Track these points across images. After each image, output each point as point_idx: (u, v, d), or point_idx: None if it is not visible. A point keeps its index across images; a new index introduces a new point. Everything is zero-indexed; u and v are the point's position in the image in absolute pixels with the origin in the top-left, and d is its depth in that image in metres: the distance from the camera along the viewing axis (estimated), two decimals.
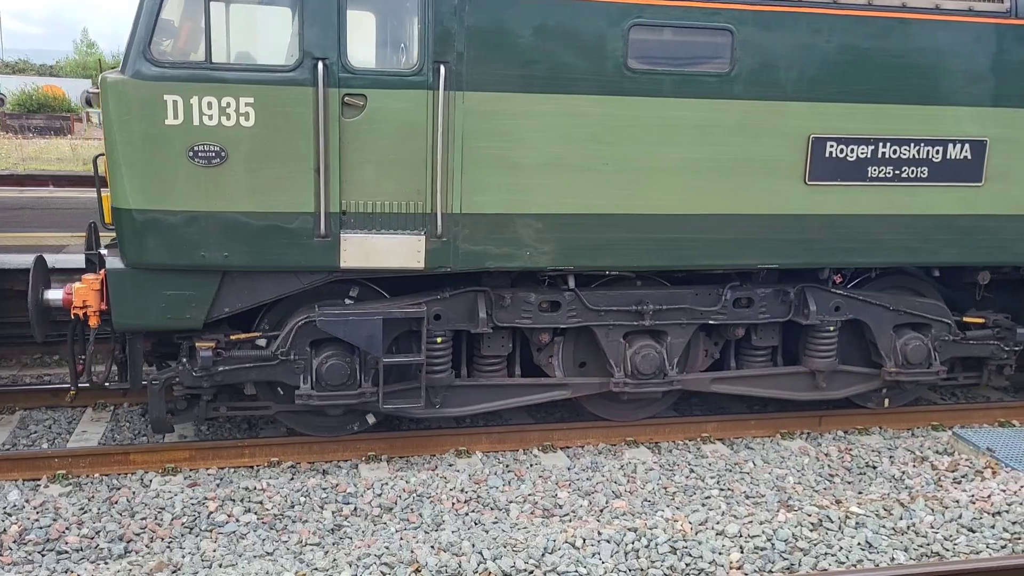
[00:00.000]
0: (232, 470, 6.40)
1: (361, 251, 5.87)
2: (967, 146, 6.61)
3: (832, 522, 5.36)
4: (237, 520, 5.60)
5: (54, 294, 5.94)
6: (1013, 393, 8.36)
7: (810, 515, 5.42)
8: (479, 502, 5.91)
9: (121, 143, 5.55)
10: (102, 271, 5.81)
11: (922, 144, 6.53)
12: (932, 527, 5.44)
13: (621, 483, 6.26)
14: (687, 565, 4.88)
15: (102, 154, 5.76)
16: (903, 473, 6.64)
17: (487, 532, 5.42)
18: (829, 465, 6.75)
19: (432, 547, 5.03)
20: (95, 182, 6.30)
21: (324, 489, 5.94)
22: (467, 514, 5.78)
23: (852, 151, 6.42)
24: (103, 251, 6.12)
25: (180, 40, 5.64)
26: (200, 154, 5.56)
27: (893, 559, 5.03)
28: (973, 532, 5.42)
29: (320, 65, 5.53)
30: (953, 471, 6.63)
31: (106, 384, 6.46)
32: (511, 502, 5.93)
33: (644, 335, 6.73)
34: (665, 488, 6.23)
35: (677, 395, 7.19)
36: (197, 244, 5.71)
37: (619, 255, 6.30)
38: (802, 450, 6.96)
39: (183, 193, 5.62)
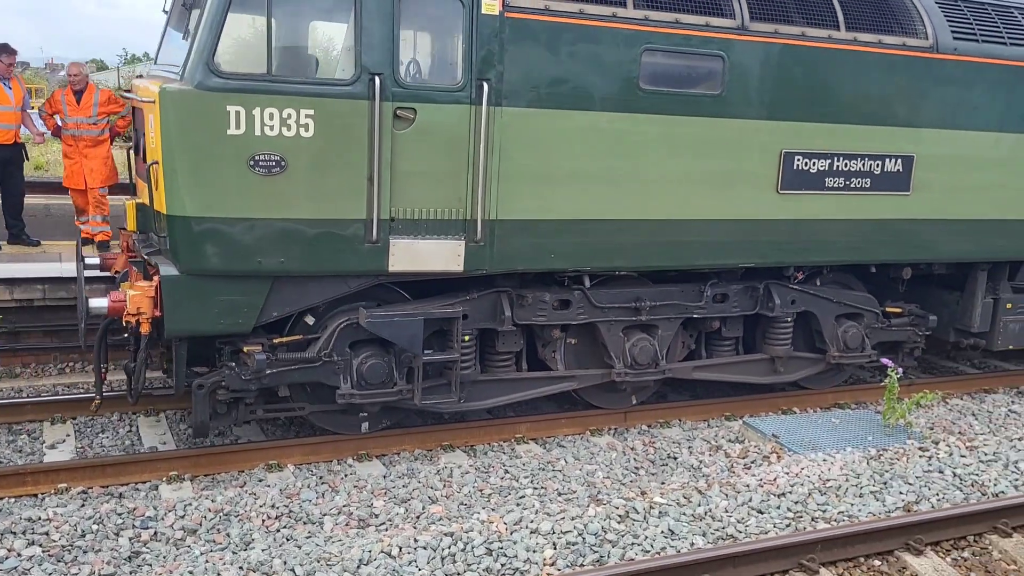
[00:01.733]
0: (13, 500, 5.91)
1: (407, 255, 6.23)
2: (899, 160, 7.76)
3: (638, 513, 5.57)
4: (19, 555, 5.03)
5: (99, 302, 5.90)
6: (920, 372, 9.69)
7: (618, 508, 5.60)
8: (291, 517, 5.69)
9: (180, 152, 5.65)
10: (156, 277, 5.84)
11: (866, 159, 7.61)
12: (726, 511, 5.76)
13: (438, 488, 6.23)
14: (503, 566, 4.94)
15: (155, 162, 5.78)
16: (701, 462, 6.98)
17: (300, 547, 5.25)
18: (635, 458, 7.01)
19: (241, 568, 4.87)
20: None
21: (120, 514, 5.53)
22: (278, 530, 5.55)
23: (814, 164, 7.40)
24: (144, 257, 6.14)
25: (242, 52, 5.80)
26: (261, 163, 5.75)
27: (693, 544, 5.30)
28: (762, 513, 5.79)
29: (376, 80, 5.86)
30: (744, 458, 7.05)
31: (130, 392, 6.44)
32: (325, 515, 5.74)
33: (639, 329, 7.43)
34: (481, 490, 6.25)
35: (660, 383, 7.93)
36: (254, 251, 5.88)
37: (629, 257, 6.97)
38: (610, 445, 7.21)
39: (242, 201, 5.79)
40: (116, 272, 7.25)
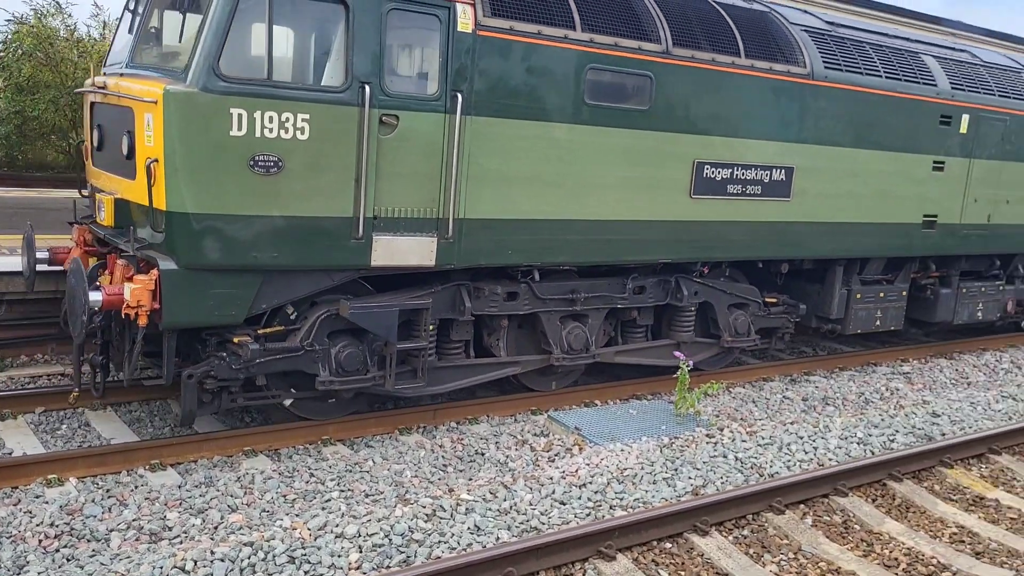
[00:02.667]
0: None
1: (388, 251, 6.74)
2: (783, 171, 9.01)
3: (445, 511, 5.58)
4: None
5: (94, 295, 6.02)
6: (790, 353, 11.08)
7: (425, 506, 5.59)
8: (73, 535, 5.32)
9: (182, 151, 5.90)
10: (154, 271, 6.04)
11: (759, 169, 8.80)
12: (531, 504, 5.85)
13: (238, 496, 6.00)
14: (306, 573, 4.83)
15: (155, 160, 5.97)
16: (507, 457, 7.07)
17: (82, 568, 4.89)
18: (443, 456, 7.06)
19: None
20: None
21: None
22: (58, 550, 5.17)
23: (719, 173, 8.49)
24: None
25: (244, 58, 6.10)
26: (260, 163, 6.09)
27: (498, 539, 5.35)
28: (564, 504, 5.93)
29: (366, 88, 6.34)
30: (548, 451, 7.21)
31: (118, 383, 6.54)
32: (112, 530, 5.40)
33: (572, 318, 8.25)
34: (284, 496, 6.09)
35: (587, 367, 8.77)
36: (250, 246, 6.20)
37: (572, 252, 7.77)
38: (419, 443, 7.25)
39: (241, 199, 6.10)
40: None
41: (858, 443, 7.64)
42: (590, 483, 6.26)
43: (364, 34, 6.32)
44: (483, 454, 7.19)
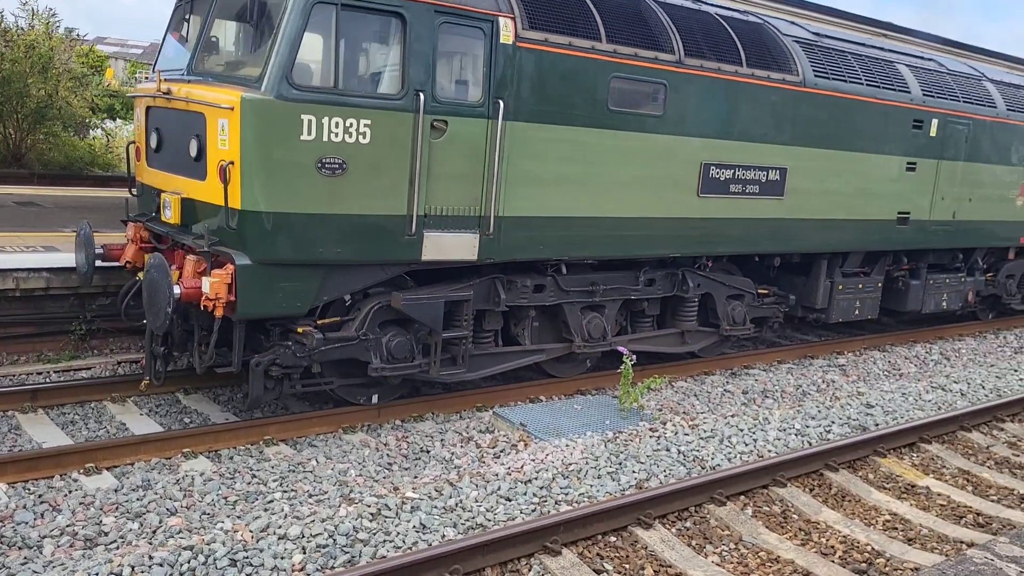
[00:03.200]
0: None
1: (436, 247, 7.26)
2: (777, 171, 9.74)
3: (390, 509, 5.55)
4: None
5: (174, 288, 6.44)
6: (787, 338, 11.83)
7: (370, 505, 5.55)
8: (3, 542, 5.21)
9: (257, 154, 6.36)
10: (229, 266, 6.48)
11: (756, 169, 9.50)
12: (476, 501, 5.86)
13: (177, 498, 5.91)
14: None
15: (231, 162, 6.40)
16: (453, 454, 7.07)
17: None
18: (388, 454, 7.02)
19: None
20: None
21: None
22: None
23: (723, 173, 9.17)
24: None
25: (313, 67, 6.57)
26: (327, 165, 6.57)
27: (444, 536, 5.36)
28: (510, 501, 5.93)
29: (420, 95, 6.86)
30: (494, 447, 7.20)
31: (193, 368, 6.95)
32: (45, 537, 5.30)
33: (590, 309, 8.85)
34: (225, 498, 6.00)
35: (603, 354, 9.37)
36: (316, 242, 6.68)
37: (595, 247, 8.37)
38: (363, 442, 7.21)
39: (309, 198, 6.57)
40: (128, 263, 7.64)
41: (796, 434, 7.85)
42: (535, 479, 6.28)
43: (418, 45, 6.84)
44: (428, 452, 7.16)
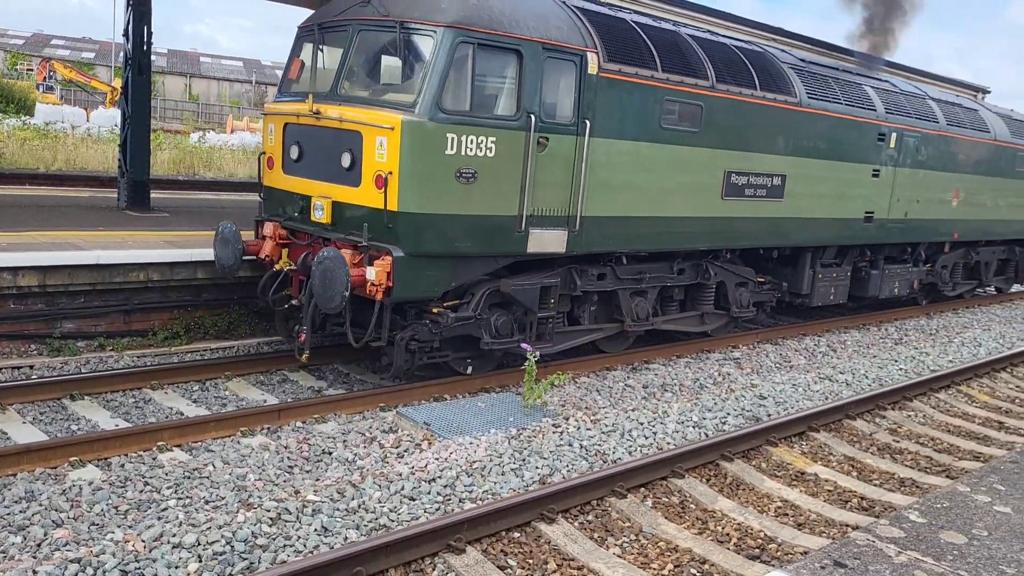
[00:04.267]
0: None
1: (537, 241, 8.78)
2: (779, 178, 11.57)
3: (291, 513, 5.49)
4: None
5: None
6: (773, 316, 13.62)
7: (269, 510, 5.47)
8: None
9: (411, 165, 7.76)
10: (387, 257, 7.84)
11: (764, 176, 11.32)
12: (380, 502, 5.83)
13: (63, 509, 5.66)
14: None
15: (389, 172, 7.77)
16: (355, 455, 6.95)
17: None
18: (289, 457, 6.85)
19: None
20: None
21: None
22: None
23: (740, 179, 10.94)
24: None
25: (454, 94, 7.99)
26: (463, 175, 8.02)
27: (347, 539, 5.31)
28: (413, 500, 5.94)
29: (531, 117, 8.37)
30: (397, 447, 7.15)
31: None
32: None
33: (637, 294, 10.50)
34: (116, 507, 5.77)
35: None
36: (453, 238, 8.11)
37: (649, 242, 10.01)
38: (263, 445, 7.04)
39: (448, 202, 8.01)
40: (267, 257, 8.90)
41: (694, 427, 8.14)
42: (439, 477, 6.31)
43: (529, 76, 8.34)
44: (330, 453, 7.04)
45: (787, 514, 6.66)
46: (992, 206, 16.98)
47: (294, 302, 8.80)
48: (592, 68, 8.85)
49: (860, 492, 7.24)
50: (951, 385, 10.89)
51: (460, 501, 6.09)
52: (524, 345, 8.76)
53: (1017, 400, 10.79)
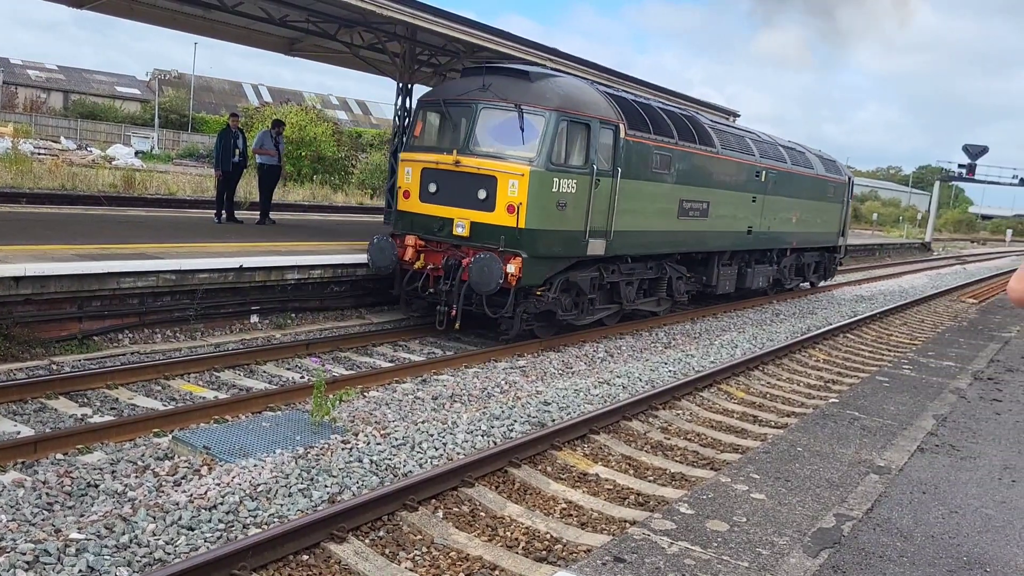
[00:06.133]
0: None
1: (592, 247, 13.30)
2: (706, 204, 16.72)
3: (50, 555, 5.10)
4: None
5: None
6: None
7: (25, 553, 5.06)
8: None
9: (533, 198, 12.09)
10: (518, 259, 12.08)
11: (698, 202, 16.41)
12: (154, 535, 5.51)
13: None
14: None
15: (520, 203, 12.05)
16: (126, 486, 6.46)
17: None
18: (48, 493, 6.28)
19: None
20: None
21: None
22: None
23: (686, 205, 15.98)
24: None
25: (556, 152, 12.39)
26: (560, 204, 12.44)
27: None
28: (192, 530, 5.63)
29: (593, 166, 12.91)
30: (174, 474, 6.68)
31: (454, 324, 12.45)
32: None
33: (628, 284, 15.23)
34: None
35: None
36: (552, 245, 12.51)
37: (644, 248, 14.81)
38: (17, 482, 6.43)
39: (552, 222, 12.39)
40: (408, 260, 12.85)
41: (483, 435, 8.19)
42: (221, 504, 6.02)
43: (593, 138, 12.90)
44: (97, 486, 6.49)
45: (571, 515, 6.76)
46: (813, 222, 23.24)
47: (430, 290, 12.80)
48: (622, 134, 13.55)
49: (637, 489, 7.46)
50: (713, 384, 11.63)
51: (244, 527, 5.82)
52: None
53: (768, 395, 11.76)
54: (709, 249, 17.57)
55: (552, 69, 15.69)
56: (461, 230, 12.57)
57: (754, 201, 18.95)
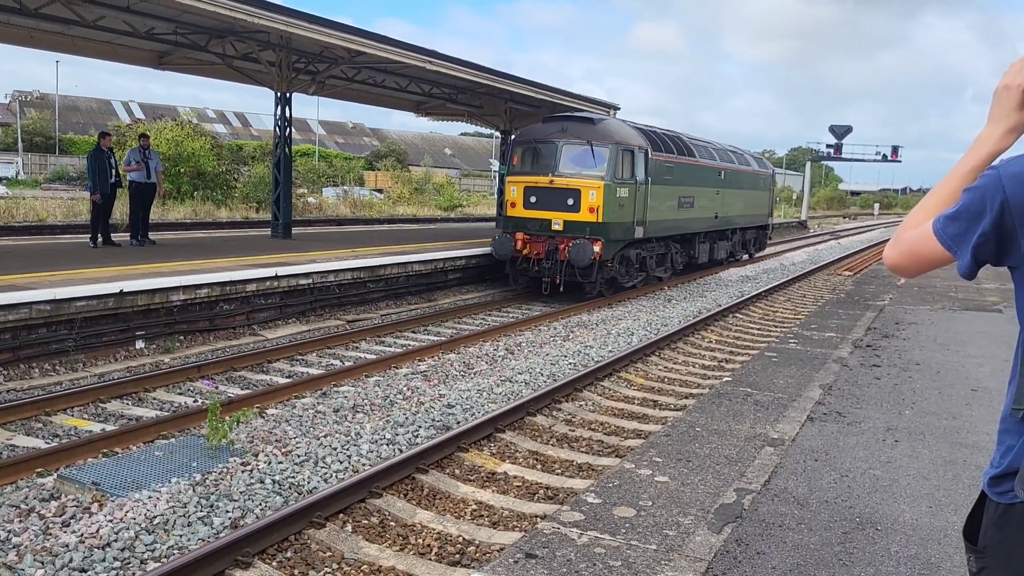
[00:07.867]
0: None
1: (638, 232, 19.70)
2: (693, 198, 23.30)
3: None
4: None
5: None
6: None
7: None
8: None
9: (606, 203, 18.39)
10: (598, 243, 18.33)
11: (688, 198, 22.96)
12: None
13: None
14: None
15: (598, 206, 18.33)
16: (9, 532, 5.95)
17: None
18: None
19: None
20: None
21: None
22: None
23: (683, 200, 22.52)
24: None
25: (616, 169, 18.72)
26: (621, 205, 18.79)
27: None
28: (85, 572, 5.36)
29: (636, 178, 19.31)
30: (61, 515, 6.24)
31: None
32: None
33: (651, 259, 21.62)
34: None
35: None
36: (618, 232, 18.88)
37: (663, 232, 21.34)
38: None
39: (618, 216, 18.72)
40: (517, 250, 18.90)
41: (388, 444, 8.01)
42: (115, 541, 5.72)
43: (636, 160, 19.32)
44: None
45: (483, 515, 6.63)
46: (753, 207, 30.24)
47: (536, 269, 18.81)
48: (651, 155, 20.01)
49: (546, 483, 7.39)
50: (613, 373, 11.51)
51: (141, 563, 5.52)
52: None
53: (665, 379, 11.77)
54: (694, 231, 24.22)
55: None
56: (557, 226, 18.72)
57: (717, 194, 25.68)
